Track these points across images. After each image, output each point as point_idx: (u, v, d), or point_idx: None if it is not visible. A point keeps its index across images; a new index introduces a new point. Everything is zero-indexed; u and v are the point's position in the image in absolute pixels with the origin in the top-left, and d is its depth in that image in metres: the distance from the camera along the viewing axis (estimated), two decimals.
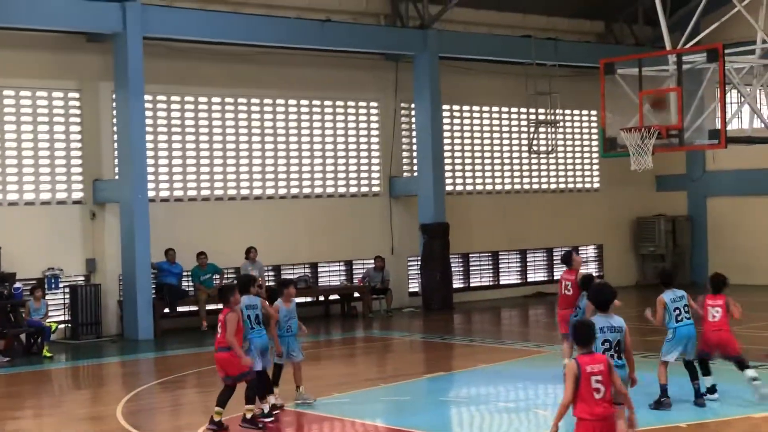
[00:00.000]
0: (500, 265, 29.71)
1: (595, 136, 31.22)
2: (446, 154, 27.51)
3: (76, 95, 22.71)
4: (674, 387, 13.35)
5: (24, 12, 20.64)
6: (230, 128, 24.77)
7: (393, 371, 17.76)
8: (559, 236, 30.37)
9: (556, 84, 27.62)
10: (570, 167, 31.34)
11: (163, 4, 22.85)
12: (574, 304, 15.02)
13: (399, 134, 27.50)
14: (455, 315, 25.58)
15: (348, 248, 26.39)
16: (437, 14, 26.56)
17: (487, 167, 29.36)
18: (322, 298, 25.84)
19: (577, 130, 31.45)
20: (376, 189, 27.16)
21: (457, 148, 28.65)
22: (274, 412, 13.32)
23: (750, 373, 13.38)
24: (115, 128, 22.62)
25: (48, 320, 20.58)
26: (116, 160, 22.64)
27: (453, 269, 27.17)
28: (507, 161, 29.82)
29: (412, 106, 27.23)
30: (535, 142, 28.90)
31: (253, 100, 25.12)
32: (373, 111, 27.17)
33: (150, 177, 22.77)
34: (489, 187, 29.38)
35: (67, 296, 21.99)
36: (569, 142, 31.21)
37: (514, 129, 29.94)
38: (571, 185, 31.38)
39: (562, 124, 29.81)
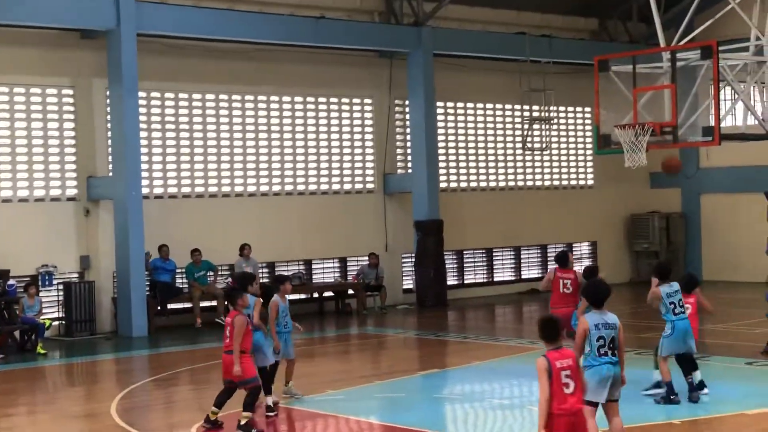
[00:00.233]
0: (494, 262, 29.71)
1: (589, 133, 31.26)
2: (440, 151, 27.46)
3: (70, 92, 22.66)
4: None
5: (17, 8, 20.58)
6: (224, 125, 24.73)
7: (387, 368, 17.74)
8: (553, 233, 30.40)
9: (551, 81, 27.65)
10: (564, 164, 31.34)
11: (157, 0, 22.81)
12: (573, 302, 14.92)
13: (393, 131, 27.49)
14: (449, 312, 25.57)
15: (342, 245, 26.38)
16: (431, 11, 26.55)
17: (482, 164, 29.35)
18: (316, 295, 25.84)
19: (571, 127, 31.46)
20: (370, 186, 27.15)
21: (451, 145, 28.63)
22: (271, 413, 13.33)
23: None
24: (109, 125, 22.56)
25: (42, 317, 20.52)
26: (110, 157, 22.60)
27: (447, 266, 27.12)
28: (501, 158, 29.81)
29: (407, 103, 27.23)
30: (529, 139, 28.95)
31: (247, 97, 25.09)
32: (368, 108, 27.15)
33: (144, 174, 22.70)
34: (483, 184, 29.36)
35: (61, 293, 21.94)
36: (563, 139, 31.21)
37: (509, 126, 29.93)
38: (565, 182, 31.38)
39: (556, 121, 29.79)
